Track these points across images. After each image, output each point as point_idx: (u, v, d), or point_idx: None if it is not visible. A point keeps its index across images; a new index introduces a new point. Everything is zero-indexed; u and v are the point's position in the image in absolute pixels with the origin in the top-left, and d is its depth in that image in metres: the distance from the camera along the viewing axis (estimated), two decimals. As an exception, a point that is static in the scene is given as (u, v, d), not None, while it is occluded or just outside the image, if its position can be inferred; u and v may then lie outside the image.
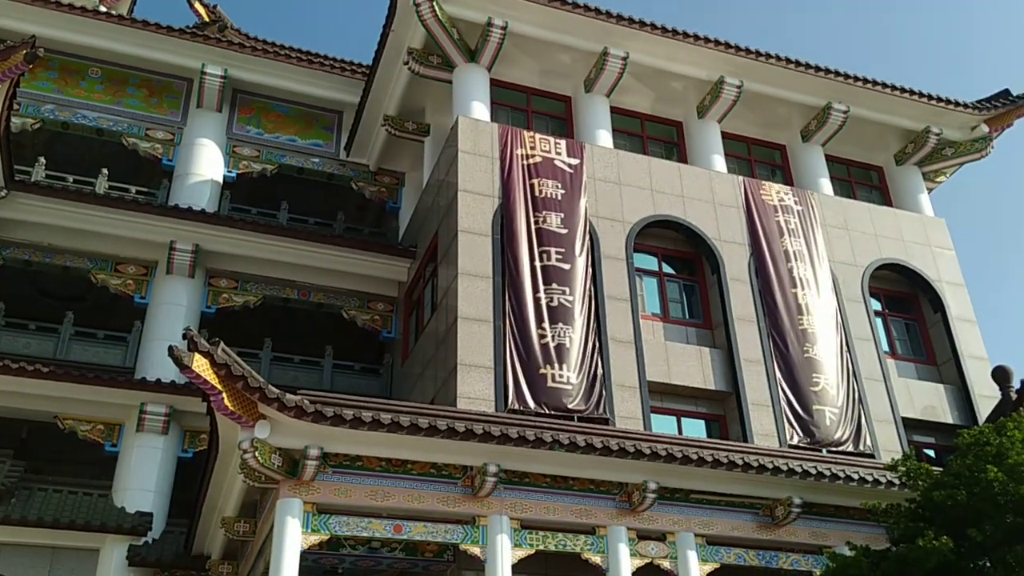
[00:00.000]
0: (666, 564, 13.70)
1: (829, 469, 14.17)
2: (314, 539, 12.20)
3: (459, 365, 15.80)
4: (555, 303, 16.89)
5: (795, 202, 20.60)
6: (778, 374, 17.99)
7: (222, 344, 11.66)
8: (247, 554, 15.09)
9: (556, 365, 16.22)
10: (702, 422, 17.85)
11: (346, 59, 24.13)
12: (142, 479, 17.81)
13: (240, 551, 15.74)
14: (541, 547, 13.23)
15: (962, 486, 11.81)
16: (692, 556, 13.74)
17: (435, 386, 16.97)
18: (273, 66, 23.25)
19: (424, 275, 19.88)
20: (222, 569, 16.23)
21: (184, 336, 11.59)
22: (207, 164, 22.25)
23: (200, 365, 11.35)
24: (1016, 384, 17.70)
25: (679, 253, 19.65)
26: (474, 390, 15.62)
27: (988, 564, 11.37)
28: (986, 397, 19.19)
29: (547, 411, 15.61)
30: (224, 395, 11.51)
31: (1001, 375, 17.97)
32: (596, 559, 13.41)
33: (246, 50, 22.97)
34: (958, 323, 20.60)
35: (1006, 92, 23.27)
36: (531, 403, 15.70)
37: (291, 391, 12.22)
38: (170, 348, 11.42)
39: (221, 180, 22.36)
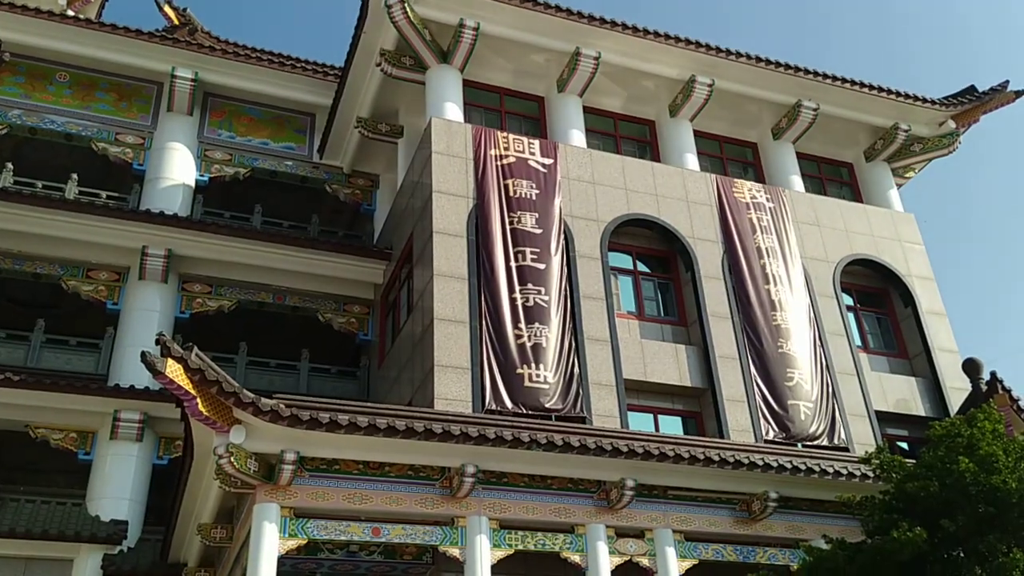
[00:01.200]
0: (645, 561, 13.77)
1: (804, 463, 14.30)
2: (292, 544, 12.13)
3: (436, 366, 15.78)
4: (531, 303, 16.92)
5: (767, 199, 20.78)
6: (753, 370, 18.13)
7: (195, 349, 11.57)
8: (224, 561, 14.98)
9: (533, 365, 16.25)
10: (679, 419, 17.96)
11: (318, 61, 24.03)
12: (116, 487, 17.63)
13: (217, 558, 15.62)
14: (520, 547, 13.24)
15: (934, 477, 11.97)
16: (671, 553, 13.81)
17: (412, 388, 16.94)
18: (244, 69, 23.11)
19: (400, 277, 19.84)
20: (199, 576, 16.11)
21: (157, 342, 11.48)
22: (178, 168, 22.06)
23: (173, 370, 11.26)
24: (986, 376, 17.95)
25: (653, 251, 19.75)
26: (451, 391, 15.61)
27: (961, 554, 11.52)
28: (957, 389, 19.44)
29: (524, 411, 15.64)
30: (198, 400, 11.42)
31: (971, 367, 18.22)
32: (575, 558, 13.44)
33: (216, 53, 22.80)
34: (928, 316, 20.87)
35: (972, 88, 23.60)
36: (508, 403, 15.72)
37: (267, 395, 12.15)
38: (143, 354, 11.33)
39: (193, 184, 22.19)
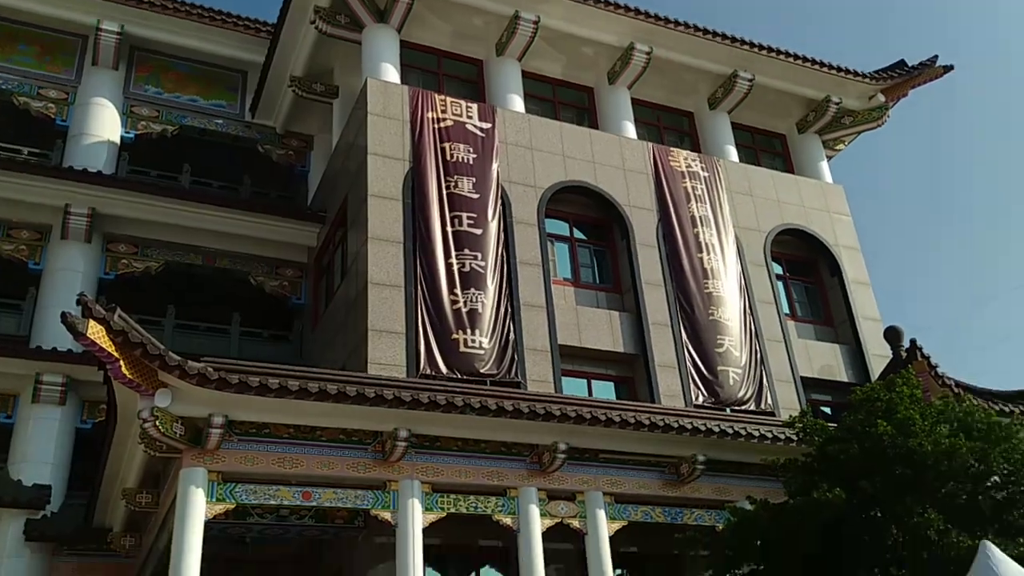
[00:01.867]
0: (575, 523, 13.96)
1: (732, 427, 14.62)
2: (219, 508, 11.98)
3: (370, 331, 15.67)
4: (467, 268, 16.87)
5: (702, 168, 21.00)
6: (684, 336, 18.44)
7: (118, 310, 11.24)
8: (150, 525, 14.75)
9: (468, 330, 16.24)
10: (611, 384, 18.19)
11: (250, 17, 23.31)
12: (39, 451, 17.16)
13: (143, 522, 15.37)
14: (453, 510, 13.31)
15: (854, 440, 12.35)
16: (601, 515, 14.03)
17: (346, 352, 16.80)
18: (172, 22, 22.31)
19: (334, 240, 19.57)
20: (124, 541, 15.86)
21: (78, 302, 11.12)
22: (103, 124, 21.29)
23: (95, 332, 10.93)
24: (906, 343, 18.50)
25: (590, 218, 19.84)
26: (385, 356, 15.52)
27: (879, 515, 11.94)
28: (878, 356, 20.07)
29: (459, 376, 15.64)
30: (121, 363, 11.12)
31: (892, 335, 18.77)
32: (507, 520, 13.56)
33: (143, 5, 21.93)
34: (854, 286, 21.45)
35: (902, 63, 24.10)
36: (443, 368, 15.71)
37: (195, 359, 11.89)
38: (63, 315, 10.96)
39: (119, 141, 21.45)
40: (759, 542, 12.52)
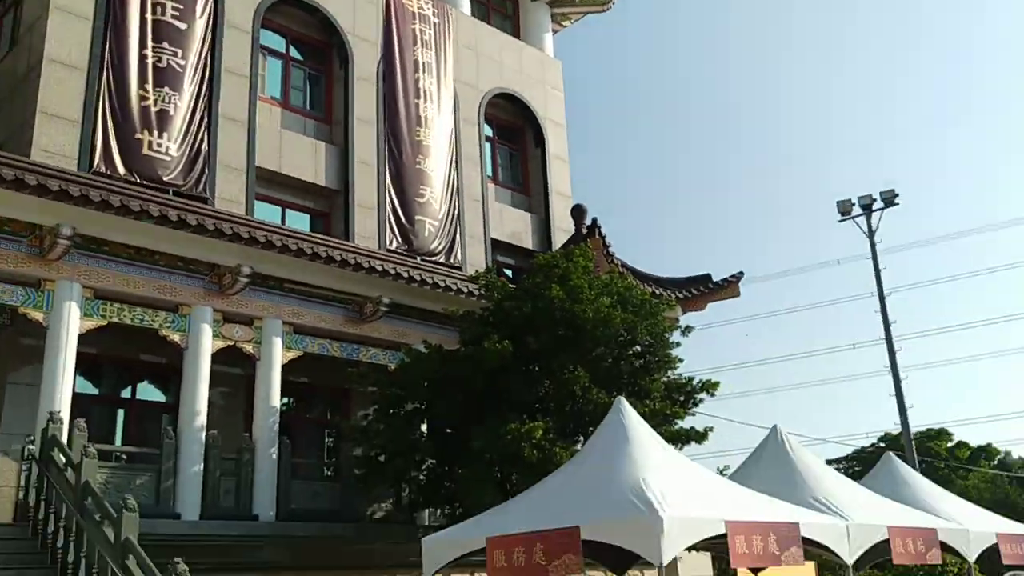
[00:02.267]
0: (249, 348, 13.74)
1: (420, 274, 14.98)
2: None
3: (39, 113, 13.81)
4: (163, 64, 15.27)
5: (433, 13, 20.51)
6: (388, 180, 18.34)
7: None
8: None
9: (155, 132, 14.85)
10: (307, 216, 17.77)
11: None
12: None
13: None
14: (115, 319, 12.49)
15: (529, 301, 13.25)
16: (277, 342, 13.91)
17: (6, 132, 14.67)
18: None
19: (3, 1, 16.66)
20: None
21: None
22: None
23: None
24: (588, 221, 19.95)
25: (310, 39, 18.71)
26: (55, 143, 13.80)
27: (537, 368, 13.03)
28: (562, 230, 21.46)
29: (139, 180, 14.32)
30: None
31: (577, 212, 20.12)
32: (175, 337, 13.00)
33: None
34: (554, 161, 22.53)
35: (635, -45, 24.94)
36: (121, 168, 14.32)
37: None
38: None
39: None
40: (427, 383, 13.18)
